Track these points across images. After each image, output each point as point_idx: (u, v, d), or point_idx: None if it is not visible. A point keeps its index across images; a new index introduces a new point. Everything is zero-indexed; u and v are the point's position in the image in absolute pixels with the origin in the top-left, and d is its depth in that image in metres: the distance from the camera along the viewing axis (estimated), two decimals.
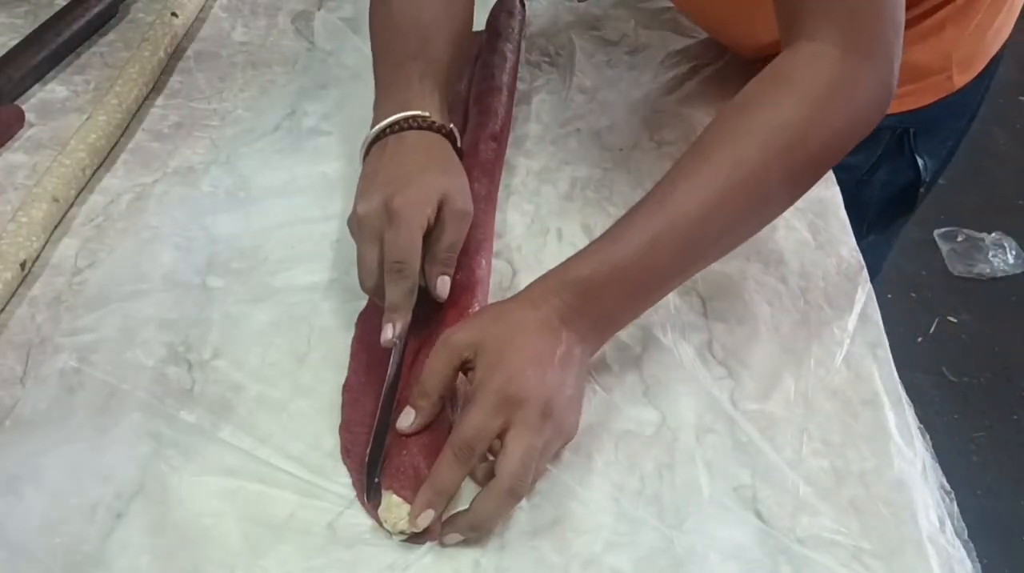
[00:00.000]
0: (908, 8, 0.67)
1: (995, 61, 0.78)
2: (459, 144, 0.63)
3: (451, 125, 0.62)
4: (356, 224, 0.57)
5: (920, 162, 0.78)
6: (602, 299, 0.52)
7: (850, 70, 0.53)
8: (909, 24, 0.70)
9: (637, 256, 0.51)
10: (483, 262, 0.62)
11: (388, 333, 0.54)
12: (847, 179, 0.73)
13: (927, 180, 0.79)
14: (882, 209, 0.81)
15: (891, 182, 0.79)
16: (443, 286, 0.56)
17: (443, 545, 0.47)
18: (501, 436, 0.48)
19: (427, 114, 0.61)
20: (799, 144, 0.53)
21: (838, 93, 0.53)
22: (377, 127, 0.61)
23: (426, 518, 0.46)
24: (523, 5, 0.89)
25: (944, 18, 0.72)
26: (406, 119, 0.60)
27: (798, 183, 0.55)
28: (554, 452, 0.50)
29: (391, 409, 0.52)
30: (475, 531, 0.47)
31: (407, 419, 0.50)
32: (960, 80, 0.75)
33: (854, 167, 0.76)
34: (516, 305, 0.52)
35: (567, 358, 0.50)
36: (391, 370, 0.53)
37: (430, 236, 0.56)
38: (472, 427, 0.47)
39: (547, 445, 0.49)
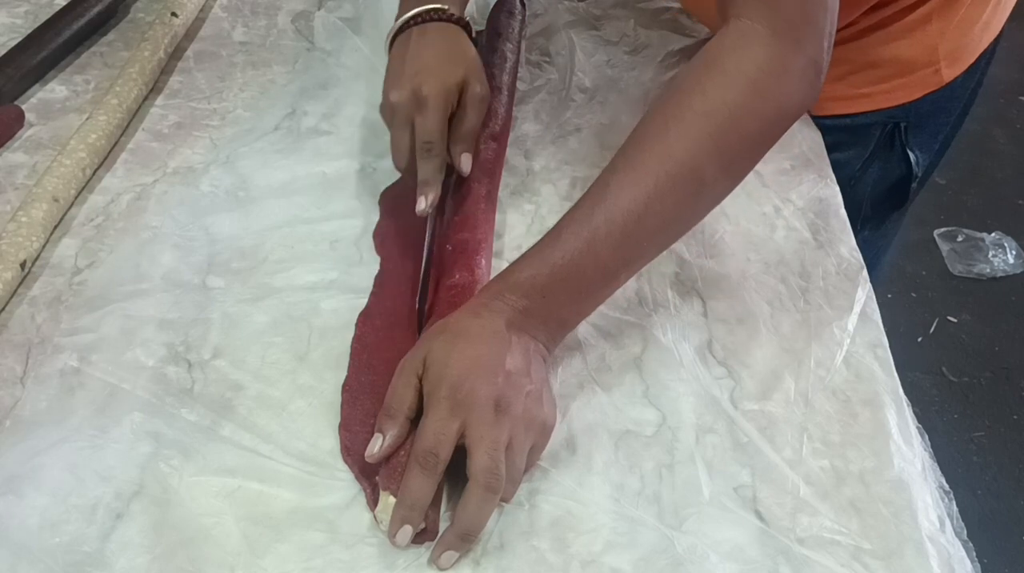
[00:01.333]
0: (891, 2, 0.68)
1: (986, 56, 0.78)
2: (473, 35, 0.69)
3: (467, 18, 0.69)
4: (389, 111, 0.64)
5: (912, 156, 0.78)
6: (546, 299, 0.52)
7: (780, 54, 0.53)
8: (893, 19, 0.71)
9: (577, 255, 0.52)
10: (483, 262, 0.62)
11: (422, 204, 0.62)
12: (840, 176, 0.74)
13: (919, 174, 0.80)
14: (875, 204, 0.81)
15: (884, 177, 0.80)
16: (466, 162, 0.65)
17: (441, 569, 0.46)
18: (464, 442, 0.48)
19: (446, 7, 0.66)
20: (729, 131, 0.52)
21: (767, 78, 0.53)
22: (401, 19, 0.67)
23: (404, 536, 0.46)
24: (523, 5, 0.89)
25: (929, 12, 0.72)
26: (427, 12, 0.66)
27: (732, 170, 0.55)
28: (527, 447, 0.49)
29: (429, 274, 0.61)
30: (465, 540, 0.46)
31: (375, 445, 0.49)
32: (949, 74, 0.75)
33: (847, 163, 0.77)
34: (460, 315, 0.52)
35: (519, 357, 0.50)
36: (427, 241, 0.62)
37: (453, 119, 0.64)
38: (430, 434, 0.47)
39: (515, 440, 0.48)
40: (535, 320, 0.52)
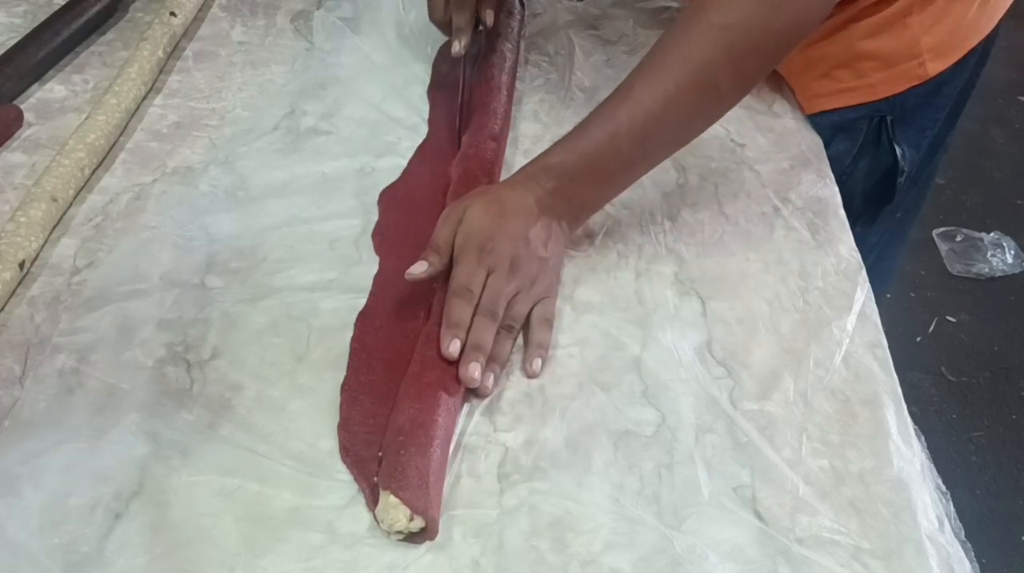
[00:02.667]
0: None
1: (976, 54, 0.78)
2: None
3: None
4: None
5: (898, 150, 0.79)
6: (572, 183, 0.60)
7: None
8: (871, 11, 0.73)
9: (600, 145, 0.59)
10: None
11: (456, 47, 0.76)
12: (832, 171, 0.74)
13: (905, 169, 0.80)
14: (866, 200, 0.82)
15: (872, 172, 0.80)
16: (490, 16, 0.78)
17: (484, 391, 0.54)
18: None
19: None
20: (744, 44, 0.58)
21: None
22: None
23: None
24: (523, 5, 0.89)
25: (908, 4, 0.73)
26: None
27: (745, 80, 0.61)
28: (531, 301, 0.58)
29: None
30: (478, 350, 0.54)
31: (420, 268, 0.58)
32: (934, 67, 0.76)
33: (837, 158, 0.77)
34: (500, 186, 0.62)
35: (540, 231, 0.59)
36: (461, 82, 0.77)
37: None
38: (464, 274, 0.57)
39: (521, 293, 0.58)
40: (561, 200, 0.60)
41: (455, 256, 0.58)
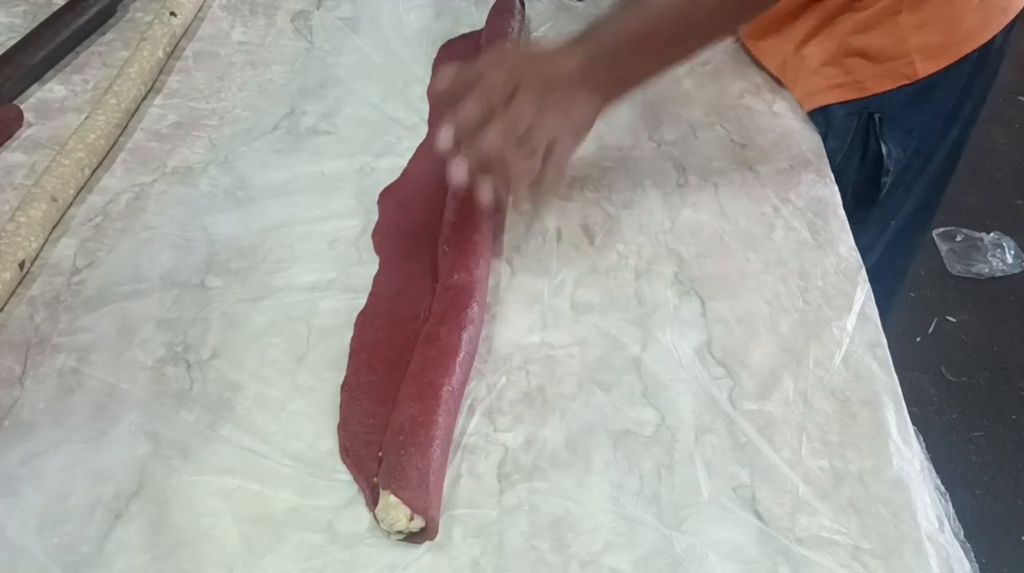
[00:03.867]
0: None
1: (971, 62, 0.77)
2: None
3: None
4: None
5: (884, 149, 0.79)
6: (612, 58, 0.62)
7: None
8: (861, 8, 0.74)
9: (642, 26, 0.62)
10: (483, 262, 0.62)
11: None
12: None
13: (890, 168, 0.80)
14: (856, 198, 0.82)
15: (861, 170, 0.81)
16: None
17: (480, 203, 0.60)
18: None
19: None
20: None
21: None
22: None
23: (460, 167, 0.59)
24: (523, 5, 0.89)
25: (898, 2, 0.74)
26: None
27: None
28: (541, 145, 0.60)
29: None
30: (483, 166, 0.59)
31: (440, 84, 0.66)
32: (924, 68, 0.76)
33: (829, 156, 0.78)
34: (549, 48, 0.64)
35: (573, 97, 0.62)
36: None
37: None
38: (488, 84, 0.60)
39: (535, 132, 0.60)
40: (600, 71, 0.62)
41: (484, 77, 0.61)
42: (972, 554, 0.49)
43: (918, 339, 1.72)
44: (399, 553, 0.47)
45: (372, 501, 0.49)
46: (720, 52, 0.87)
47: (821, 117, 0.79)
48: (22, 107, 0.76)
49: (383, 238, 0.66)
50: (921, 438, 0.55)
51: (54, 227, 0.65)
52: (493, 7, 0.88)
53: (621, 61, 0.63)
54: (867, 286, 0.64)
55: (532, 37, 0.89)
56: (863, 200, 0.82)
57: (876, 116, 0.78)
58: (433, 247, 0.64)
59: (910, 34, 0.75)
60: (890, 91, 0.77)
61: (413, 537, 0.47)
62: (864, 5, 0.75)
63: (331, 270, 0.63)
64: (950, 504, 0.52)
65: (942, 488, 0.52)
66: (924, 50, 0.75)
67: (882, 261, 0.87)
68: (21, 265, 0.60)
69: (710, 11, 0.63)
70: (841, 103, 0.78)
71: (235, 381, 0.55)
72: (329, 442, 0.52)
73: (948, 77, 0.77)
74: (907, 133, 0.80)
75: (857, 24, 0.75)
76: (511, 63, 0.62)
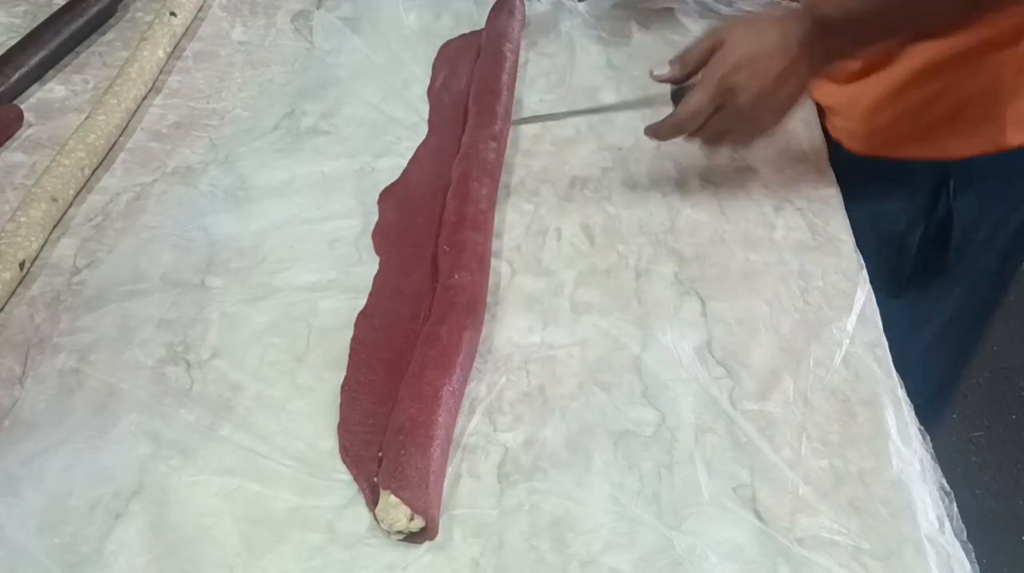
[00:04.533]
0: (956, 33, 0.64)
1: None
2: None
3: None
4: None
5: (955, 215, 0.71)
6: (836, 35, 0.61)
7: None
8: (955, 64, 0.67)
9: (874, 9, 0.60)
10: (482, 262, 0.62)
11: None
12: (886, 227, 0.70)
13: (960, 236, 0.72)
14: (919, 265, 0.75)
15: (927, 236, 0.73)
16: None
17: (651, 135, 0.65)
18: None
19: None
20: None
21: None
22: None
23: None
24: (523, 5, 0.89)
25: (999, 61, 0.66)
26: None
27: None
28: (728, 131, 0.64)
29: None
30: (654, 133, 0.66)
31: (662, 69, 0.65)
32: (1016, 137, 0.68)
33: (893, 214, 0.72)
34: (767, 17, 0.64)
35: (790, 70, 0.61)
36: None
37: None
38: (695, 103, 0.63)
39: (733, 132, 0.64)
40: (820, 43, 0.61)
41: (702, 76, 0.63)
42: (973, 555, 0.49)
43: None
44: (399, 553, 0.47)
45: (372, 501, 0.48)
46: None
47: (888, 167, 0.72)
48: (22, 107, 0.76)
49: (383, 238, 0.66)
50: (927, 437, 0.55)
51: (54, 227, 0.65)
52: (493, 7, 0.88)
53: (841, 39, 0.62)
54: (867, 286, 0.64)
55: (530, 37, 0.89)
56: (926, 267, 0.76)
57: (951, 179, 0.71)
58: (433, 247, 0.64)
59: (1008, 100, 0.67)
60: (971, 157, 0.70)
61: (413, 537, 0.47)
62: (960, 61, 0.67)
63: (331, 270, 0.63)
64: (954, 505, 0.52)
65: (947, 487, 0.52)
66: (1019, 120, 0.68)
67: (939, 343, 0.79)
68: (21, 265, 0.60)
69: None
70: (912, 159, 0.71)
71: (235, 381, 0.55)
72: (329, 442, 0.52)
73: None
74: (983, 200, 0.73)
75: (953, 77, 0.68)
76: (724, 68, 0.62)
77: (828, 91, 0.74)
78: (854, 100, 0.73)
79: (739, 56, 0.61)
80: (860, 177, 0.72)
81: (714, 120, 0.63)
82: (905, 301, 0.66)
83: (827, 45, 0.62)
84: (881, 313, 0.61)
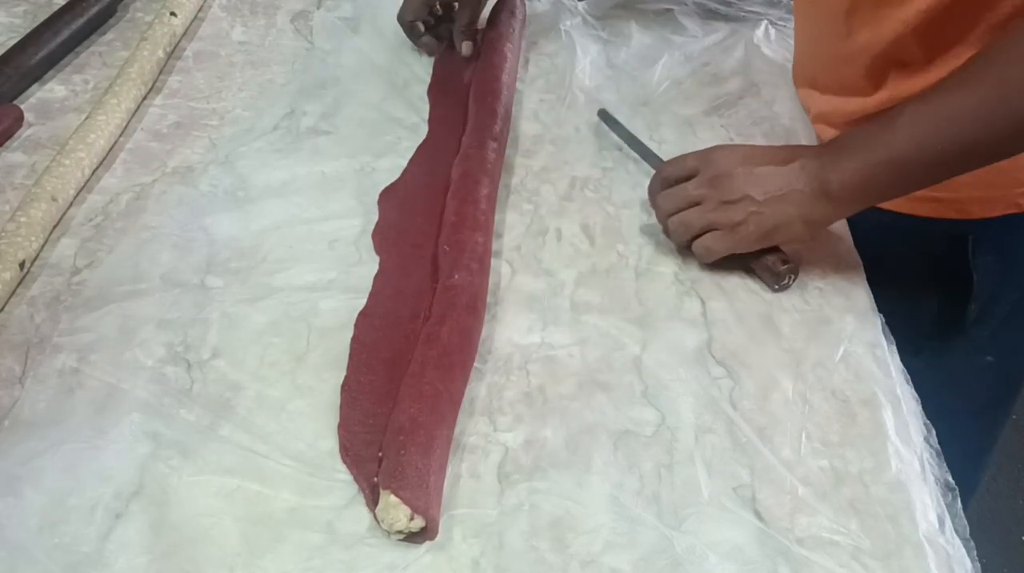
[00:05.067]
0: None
1: None
2: None
3: None
4: None
5: (975, 277, 0.68)
6: (852, 197, 0.58)
7: None
8: None
9: (896, 168, 0.56)
10: (482, 262, 0.62)
11: (466, 49, 0.82)
12: (899, 291, 0.66)
13: (978, 298, 0.68)
14: (934, 328, 0.72)
15: (944, 292, 0.69)
16: (467, 47, 0.83)
17: None
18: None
19: None
20: None
21: None
22: None
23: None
24: (523, 5, 0.89)
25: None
26: None
27: None
28: (707, 230, 0.61)
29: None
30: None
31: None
32: None
33: (907, 270, 0.69)
34: (770, 150, 0.62)
35: (787, 199, 0.58)
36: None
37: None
38: (682, 158, 0.63)
39: (712, 216, 0.60)
40: (822, 203, 0.58)
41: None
42: (975, 553, 0.49)
43: None
44: (399, 553, 0.47)
45: (372, 501, 0.48)
46: (722, 53, 0.87)
47: (902, 224, 0.68)
48: (22, 107, 0.76)
49: (383, 238, 0.66)
50: (933, 432, 0.55)
51: (54, 227, 0.65)
52: (493, 7, 0.88)
53: (857, 200, 0.59)
54: (867, 286, 0.64)
55: (530, 37, 0.89)
56: (945, 327, 0.72)
57: (970, 237, 0.67)
58: (433, 247, 0.64)
59: None
60: (991, 218, 0.66)
61: (413, 537, 0.47)
62: None
63: (331, 270, 0.63)
64: (958, 501, 0.51)
65: (951, 482, 0.52)
66: None
67: (965, 408, 0.74)
68: (21, 265, 0.60)
69: (967, 144, 0.55)
70: (930, 218, 0.67)
71: (235, 381, 0.55)
72: (329, 442, 0.52)
73: None
74: (1002, 258, 0.69)
75: None
76: (715, 170, 0.61)
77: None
78: None
79: (742, 156, 0.60)
80: (875, 228, 0.67)
81: (695, 194, 0.61)
82: (923, 360, 0.61)
83: (843, 201, 0.58)
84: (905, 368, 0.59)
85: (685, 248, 0.64)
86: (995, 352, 0.75)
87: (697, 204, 0.61)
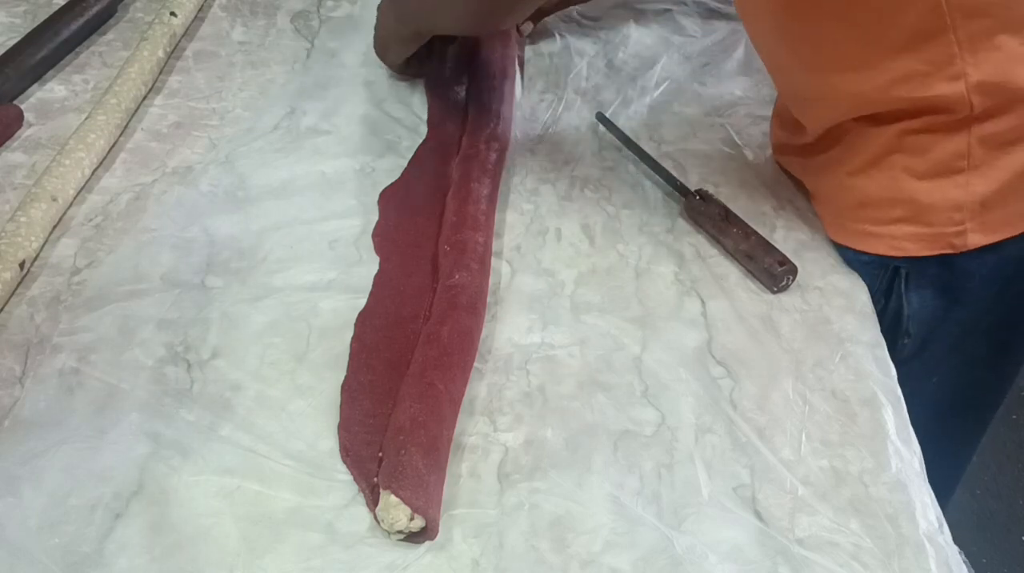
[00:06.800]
0: (909, 117, 0.58)
1: (1020, 243, 0.61)
2: None
3: None
4: None
5: (905, 307, 0.65)
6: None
7: None
8: (917, 151, 0.60)
9: None
10: (483, 262, 0.62)
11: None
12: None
13: (908, 330, 0.66)
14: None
15: (883, 323, 0.65)
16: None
17: None
18: None
19: None
20: None
21: None
22: None
23: None
24: None
25: (961, 154, 0.58)
26: None
27: None
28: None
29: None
30: None
31: None
32: (976, 240, 0.60)
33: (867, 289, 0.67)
34: None
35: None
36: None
37: None
38: None
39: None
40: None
41: None
42: (963, 555, 0.49)
43: None
44: (399, 553, 0.47)
45: (372, 501, 0.49)
46: (722, 53, 0.87)
47: (846, 257, 0.66)
48: (22, 107, 0.76)
49: (383, 238, 0.66)
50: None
51: (54, 227, 0.65)
52: None
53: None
54: (866, 286, 0.64)
55: (530, 37, 0.89)
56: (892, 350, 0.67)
57: (903, 271, 0.64)
58: (433, 247, 0.64)
59: (965, 198, 0.59)
60: (928, 256, 0.63)
61: (413, 537, 0.47)
62: (920, 150, 0.60)
63: (331, 270, 0.63)
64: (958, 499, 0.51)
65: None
66: (981, 220, 0.60)
67: (935, 424, 0.68)
68: (21, 265, 0.60)
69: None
70: (870, 254, 0.64)
71: (235, 381, 0.55)
72: (329, 442, 0.52)
73: (998, 254, 0.62)
74: (939, 294, 0.65)
75: (913, 168, 0.60)
76: None
77: (803, 169, 0.70)
78: (817, 186, 0.68)
79: None
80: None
81: None
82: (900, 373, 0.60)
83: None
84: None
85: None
86: (939, 375, 0.72)
87: None
